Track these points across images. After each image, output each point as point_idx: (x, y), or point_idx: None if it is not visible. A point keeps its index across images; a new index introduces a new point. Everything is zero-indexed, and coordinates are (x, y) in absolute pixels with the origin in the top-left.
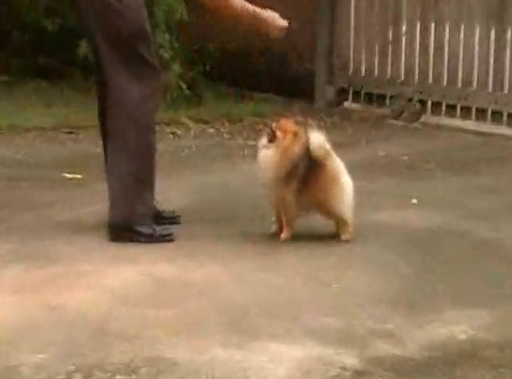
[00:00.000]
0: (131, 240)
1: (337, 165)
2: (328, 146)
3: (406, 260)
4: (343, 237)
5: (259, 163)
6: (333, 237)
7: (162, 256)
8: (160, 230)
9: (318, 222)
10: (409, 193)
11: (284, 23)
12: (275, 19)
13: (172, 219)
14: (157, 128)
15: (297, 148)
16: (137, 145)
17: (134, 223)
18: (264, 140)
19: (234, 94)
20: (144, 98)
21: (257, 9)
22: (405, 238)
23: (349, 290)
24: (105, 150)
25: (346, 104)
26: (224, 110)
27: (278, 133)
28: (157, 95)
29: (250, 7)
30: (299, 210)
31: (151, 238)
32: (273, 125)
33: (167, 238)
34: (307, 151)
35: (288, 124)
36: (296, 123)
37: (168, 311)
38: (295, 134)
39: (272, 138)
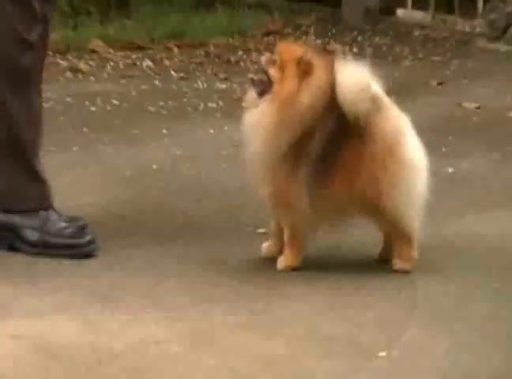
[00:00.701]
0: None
1: (396, 126)
2: (375, 90)
3: None
4: (398, 264)
5: (245, 130)
6: (380, 263)
7: (55, 302)
8: (69, 229)
9: (352, 234)
10: None
11: None
12: None
13: None
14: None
15: (310, 98)
16: None
17: (10, 208)
18: (251, 92)
19: None
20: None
21: None
22: None
23: (408, 365)
24: None
25: (401, 12)
26: (171, 25)
27: (273, 73)
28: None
29: None
30: (315, 215)
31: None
32: (264, 58)
33: (84, 251)
34: (334, 103)
35: (293, 51)
36: (308, 50)
37: None
38: (307, 70)
39: (266, 86)
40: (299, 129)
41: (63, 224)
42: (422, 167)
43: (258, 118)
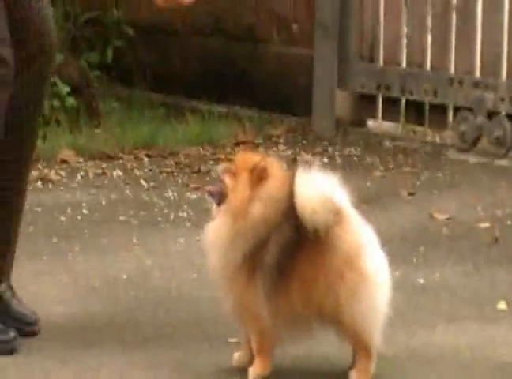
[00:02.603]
0: None
1: (358, 238)
2: (337, 201)
3: None
4: (353, 377)
5: (205, 242)
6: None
7: None
8: None
9: (323, 344)
10: (493, 292)
11: None
12: None
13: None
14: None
15: (262, 208)
16: None
17: None
18: (211, 202)
19: (162, 106)
20: None
21: None
22: None
23: None
24: None
25: (371, 123)
26: (143, 134)
27: (228, 182)
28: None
29: None
30: (278, 323)
31: None
32: (220, 167)
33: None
34: (290, 213)
35: (249, 159)
36: (265, 158)
37: None
38: (261, 177)
39: (222, 196)
40: (252, 240)
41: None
42: (383, 281)
43: (215, 230)
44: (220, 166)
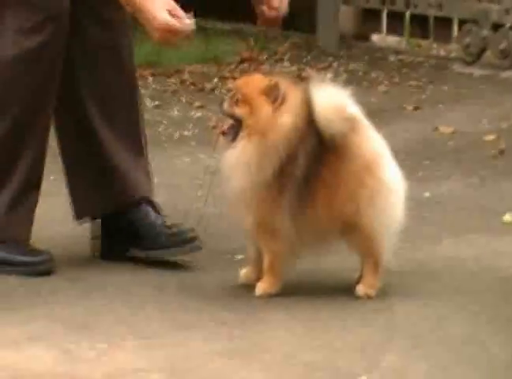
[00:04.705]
0: None
1: (375, 147)
2: (352, 110)
3: (500, 338)
4: (361, 290)
5: (224, 170)
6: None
7: (33, 331)
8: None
9: (330, 260)
10: (498, 205)
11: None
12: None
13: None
14: None
15: (291, 117)
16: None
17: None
18: (223, 135)
19: None
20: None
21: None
22: (495, 292)
23: None
24: None
25: (376, 38)
26: (147, 52)
27: (239, 111)
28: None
29: None
30: (298, 240)
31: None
32: (225, 104)
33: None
34: (313, 124)
35: (255, 83)
36: (270, 77)
37: None
38: (277, 95)
39: (237, 128)
40: (283, 152)
41: None
42: (400, 189)
43: (239, 156)
44: (225, 103)
